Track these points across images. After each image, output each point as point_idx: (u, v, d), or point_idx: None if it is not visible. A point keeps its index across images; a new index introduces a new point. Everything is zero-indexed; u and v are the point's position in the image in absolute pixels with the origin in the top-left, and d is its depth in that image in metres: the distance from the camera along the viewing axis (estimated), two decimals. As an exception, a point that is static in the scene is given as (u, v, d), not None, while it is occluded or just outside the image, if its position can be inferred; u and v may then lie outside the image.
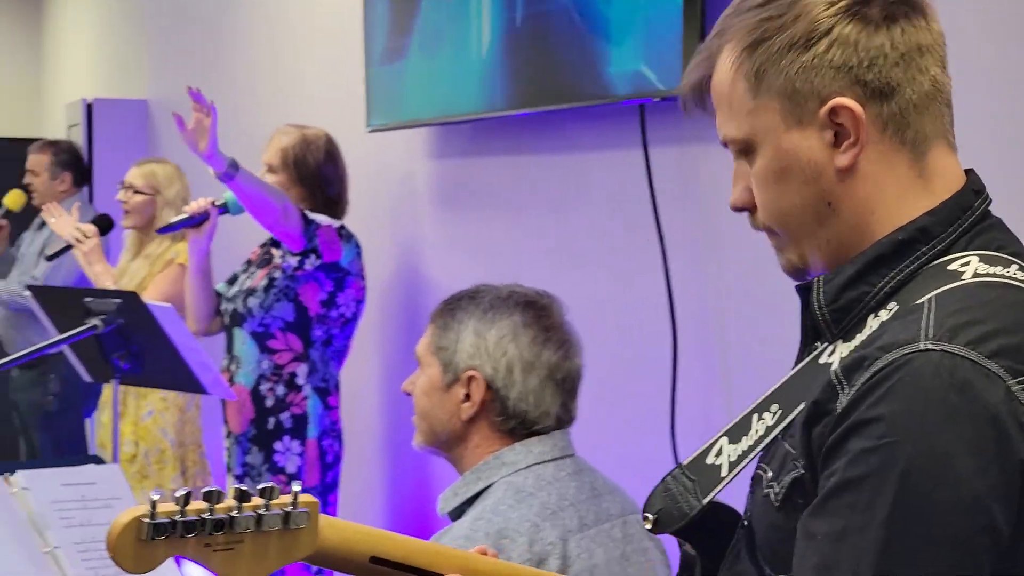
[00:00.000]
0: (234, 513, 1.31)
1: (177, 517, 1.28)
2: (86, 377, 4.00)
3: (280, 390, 4.11)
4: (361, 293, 4.19)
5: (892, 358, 1.27)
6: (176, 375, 3.80)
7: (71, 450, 5.84)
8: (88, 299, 3.53)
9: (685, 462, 1.47)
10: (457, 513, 2.20)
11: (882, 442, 1.25)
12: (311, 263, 4.04)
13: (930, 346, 1.27)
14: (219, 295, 4.28)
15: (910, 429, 1.25)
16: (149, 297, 4.74)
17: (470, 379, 2.18)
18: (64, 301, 3.86)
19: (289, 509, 1.33)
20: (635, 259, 3.23)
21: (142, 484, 4.76)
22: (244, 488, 1.29)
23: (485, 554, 1.61)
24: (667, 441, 3.01)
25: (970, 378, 1.25)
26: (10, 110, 9.81)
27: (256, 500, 1.31)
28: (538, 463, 2.18)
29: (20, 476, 2.28)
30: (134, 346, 3.62)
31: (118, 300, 3.53)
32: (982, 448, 1.24)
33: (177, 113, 3.81)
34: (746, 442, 1.42)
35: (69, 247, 4.94)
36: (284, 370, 4.11)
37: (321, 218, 4.07)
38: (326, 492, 4.16)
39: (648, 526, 1.44)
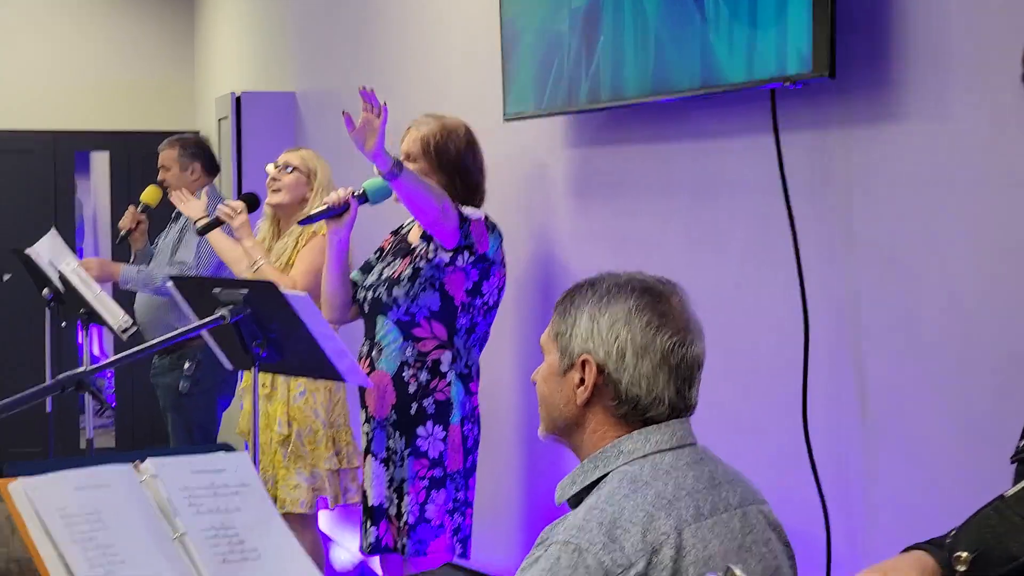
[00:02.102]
0: None
1: None
2: (227, 365, 4.07)
3: (423, 376, 4.13)
4: (503, 280, 4.20)
5: None
6: (313, 362, 3.84)
7: (202, 435, 5.96)
8: (216, 289, 3.58)
9: (1009, 494, 1.25)
10: (576, 501, 2.18)
11: None
12: (464, 259, 4.06)
13: None
14: (355, 284, 4.31)
15: None
16: (297, 270, 4.80)
17: (584, 363, 2.17)
18: (203, 290, 3.93)
19: None
20: (767, 247, 3.18)
21: (296, 464, 4.82)
22: None
23: None
24: (799, 430, 2.96)
25: None
26: (167, 105, 10.03)
27: None
28: (655, 452, 2.15)
29: (150, 463, 2.30)
30: (272, 334, 3.67)
31: (245, 290, 3.57)
32: None
33: (346, 112, 3.83)
34: None
35: (220, 222, 5.01)
36: (428, 357, 4.13)
37: (471, 212, 4.09)
38: (467, 476, 4.19)
39: (961, 567, 1.29)
